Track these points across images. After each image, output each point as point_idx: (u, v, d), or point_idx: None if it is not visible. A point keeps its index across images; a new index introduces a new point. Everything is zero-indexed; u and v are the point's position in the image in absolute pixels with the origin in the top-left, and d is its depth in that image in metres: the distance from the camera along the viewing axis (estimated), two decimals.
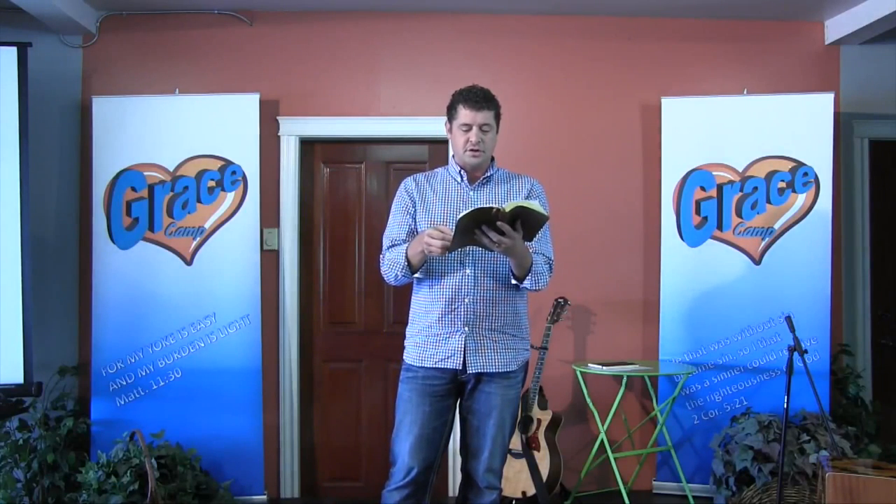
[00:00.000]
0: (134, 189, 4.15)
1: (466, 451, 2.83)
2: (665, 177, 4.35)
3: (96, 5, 4.30)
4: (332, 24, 4.46)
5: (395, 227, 2.83)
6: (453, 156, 2.88)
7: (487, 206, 2.50)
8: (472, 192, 2.83)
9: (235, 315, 4.13)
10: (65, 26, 4.23)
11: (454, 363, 2.72)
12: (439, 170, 2.93)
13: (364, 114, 4.44)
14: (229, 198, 4.18)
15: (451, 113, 2.82)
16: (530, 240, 2.63)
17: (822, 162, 4.19)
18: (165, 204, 4.16)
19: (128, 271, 4.12)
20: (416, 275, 2.74)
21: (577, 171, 4.50)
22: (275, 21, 4.45)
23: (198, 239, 4.16)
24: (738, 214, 4.27)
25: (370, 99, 4.45)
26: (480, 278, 2.73)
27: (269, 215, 4.35)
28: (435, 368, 2.75)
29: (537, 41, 4.53)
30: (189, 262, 4.15)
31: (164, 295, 4.12)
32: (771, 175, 4.24)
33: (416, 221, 2.81)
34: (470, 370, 2.72)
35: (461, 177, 2.84)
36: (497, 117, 2.82)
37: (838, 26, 4.47)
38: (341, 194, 4.54)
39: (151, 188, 4.16)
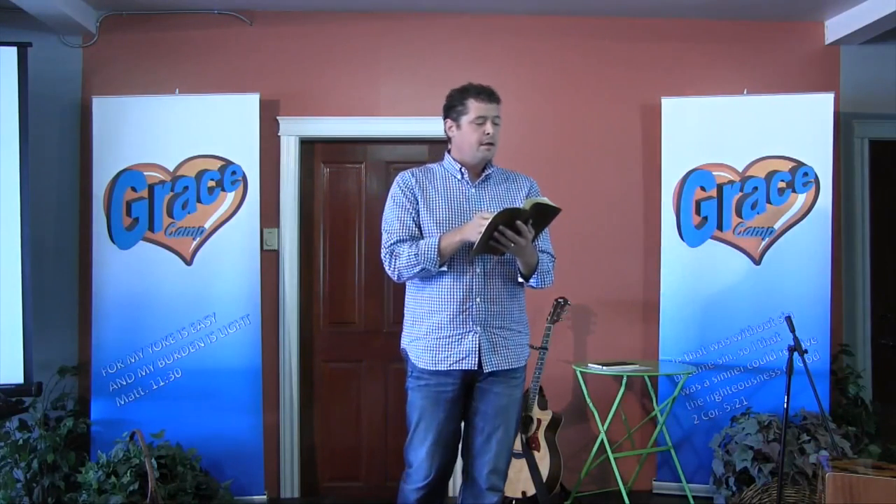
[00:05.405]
0: (134, 189, 4.15)
1: (470, 452, 2.78)
2: (665, 177, 4.35)
3: (96, 5, 4.30)
4: (332, 24, 4.46)
5: (396, 222, 2.76)
6: (449, 152, 2.86)
7: (514, 207, 2.52)
8: (474, 190, 2.80)
9: (235, 315, 4.13)
10: (65, 26, 4.22)
11: (469, 363, 2.68)
12: (433, 166, 2.87)
13: (364, 114, 4.43)
14: (229, 198, 4.18)
15: (456, 110, 2.76)
16: (537, 236, 2.67)
17: (822, 162, 4.19)
18: (165, 204, 4.16)
19: (128, 271, 4.12)
20: (442, 267, 2.67)
21: (577, 171, 4.50)
22: (275, 21, 4.45)
23: (198, 239, 4.16)
24: (738, 214, 4.26)
25: (370, 99, 4.45)
26: (490, 277, 2.71)
27: (269, 215, 4.35)
28: (448, 372, 2.69)
29: (537, 41, 4.53)
30: (189, 262, 4.15)
31: (164, 295, 4.12)
32: (771, 175, 4.24)
33: (419, 217, 2.75)
34: (486, 369, 2.69)
35: (462, 174, 2.80)
36: None
37: (838, 26, 4.47)
38: (341, 194, 4.54)
39: (151, 188, 4.16)
